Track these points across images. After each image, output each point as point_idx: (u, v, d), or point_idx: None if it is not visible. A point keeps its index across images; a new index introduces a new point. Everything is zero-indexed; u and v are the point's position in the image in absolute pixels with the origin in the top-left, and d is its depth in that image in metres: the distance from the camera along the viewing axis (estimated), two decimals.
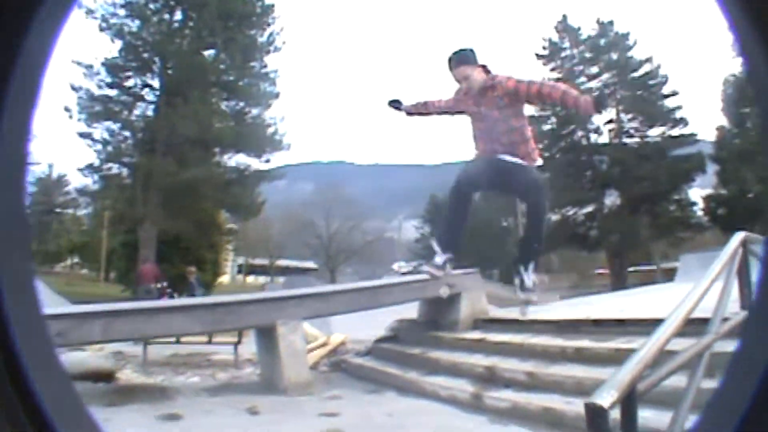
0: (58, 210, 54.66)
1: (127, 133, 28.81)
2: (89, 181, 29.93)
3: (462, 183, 4.27)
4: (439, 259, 4.18)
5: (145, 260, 22.36)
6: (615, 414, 1.89)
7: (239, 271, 57.56)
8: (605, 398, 1.82)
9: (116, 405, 4.50)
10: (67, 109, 27.29)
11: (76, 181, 48.13)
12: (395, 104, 4.65)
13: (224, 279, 43.56)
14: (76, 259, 56.63)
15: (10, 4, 0.81)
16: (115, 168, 28.98)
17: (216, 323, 5.09)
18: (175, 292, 16.71)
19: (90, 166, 28.37)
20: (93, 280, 46.42)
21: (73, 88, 27.56)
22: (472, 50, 4.25)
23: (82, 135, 27.97)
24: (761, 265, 1.04)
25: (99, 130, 28.21)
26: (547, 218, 4.48)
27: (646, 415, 2.10)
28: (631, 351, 2.31)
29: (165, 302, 5.72)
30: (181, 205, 26.09)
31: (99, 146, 28.28)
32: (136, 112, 29.38)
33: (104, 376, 5.56)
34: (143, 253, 25.60)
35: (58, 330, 4.35)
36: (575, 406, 2.20)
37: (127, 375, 6.10)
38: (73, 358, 5.24)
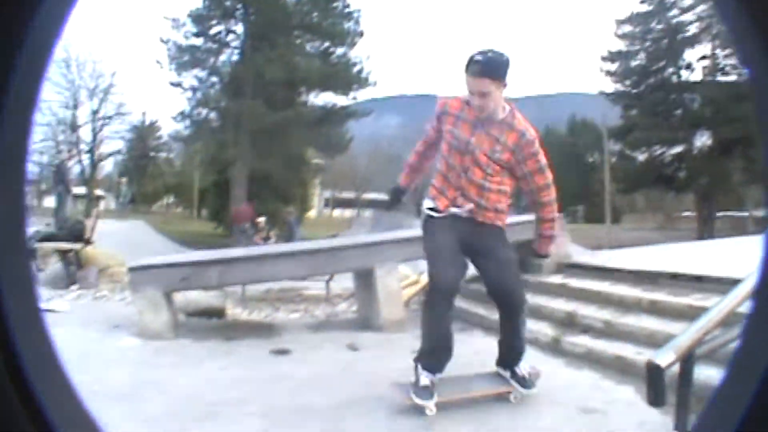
0: (152, 154, 57.64)
1: (215, 80, 30.05)
2: (181, 127, 31.66)
3: (445, 285, 3.22)
4: (426, 379, 3.18)
5: (240, 201, 23.56)
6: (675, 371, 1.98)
7: (326, 205, 58.89)
8: (663, 359, 1.96)
9: (233, 340, 4.93)
10: (158, 62, 28.87)
11: (169, 127, 50.59)
12: (398, 195, 3.86)
13: (311, 213, 44.89)
14: (171, 199, 60.03)
15: (11, 2, 0.81)
16: (205, 113, 30.43)
17: (319, 267, 5.54)
18: (271, 231, 17.24)
19: (182, 113, 29.93)
20: (187, 218, 49.02)
21: (162, 41, 28.97)
22: (507, 60, 3.19)
23: (173, 84, 29.51)
24: (761, 265, 0.99)
25: (188, 79, 29.67)
26: (524, 315, 3.45)
27: (710, 373, 2.18)
28: (704, 309, 2.39)
29: (273, 249, 6.21)
30: (270, 146, 26.89)
31: (189, 94, 29.78)
32: (222, 58, 30.38)
33: (216, 313, 6.14)
34: (235, 192, 26.99)
35: (181, 275, 5.00)
36: (644, 357, 2.43)
37: (233, 311, 6.62)
38: (189, 297, 5.82)
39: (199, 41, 29.77)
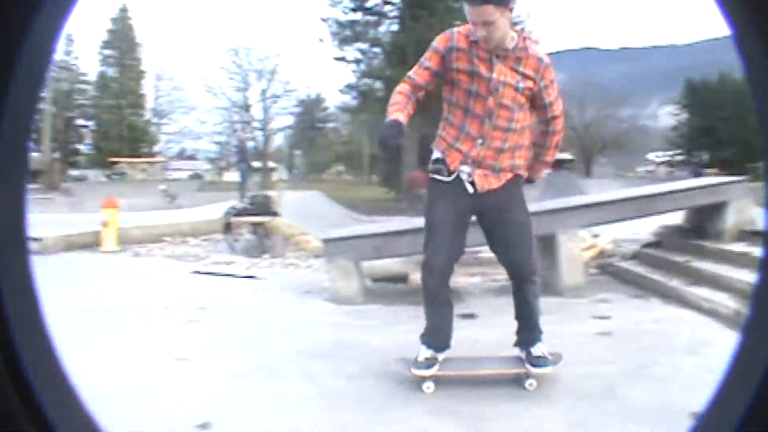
0: (319, 125, 60.85)
1: (377, 50, 30.99)
2: (348, 98, 33.14)
3: (434, 268, 3.04)
4: (426, 353, 3.05)
5: (411, 167, 24.11)
6: None
7: None
8: None
9: (418, 304, 5.12)
10: (320, 39, 30.39)
11: (336, 99, 53.13)
12: (393, 138, 2.88)
13: None
14: (341, 167, 63.11)
15: (11, 2, 0.81)
16: (369, 83, 31.57)
17: None
18: None
19: (348, 85, 31.31)
20: (357, 185, 51.20)
21: (323, 20, 30.36)
22: None
23: (336, 59, 30.93)
24: (761, 264, 1.02)
25: (351, 52, 30.94)
26: (536, 288, 3.16)
27: None
28: None
29: None
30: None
31: (353, 66, 31.07)
32: (382, 29, 31.24)
33: (400, 279, 6.43)
34: (407, 156, 27.74)
35: (373, 245, 5.33)
36: None
37: (414, 277, 6.80)
38: (374, 264, 6.09)
39: (357, 16, 30.81)
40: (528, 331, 3.11)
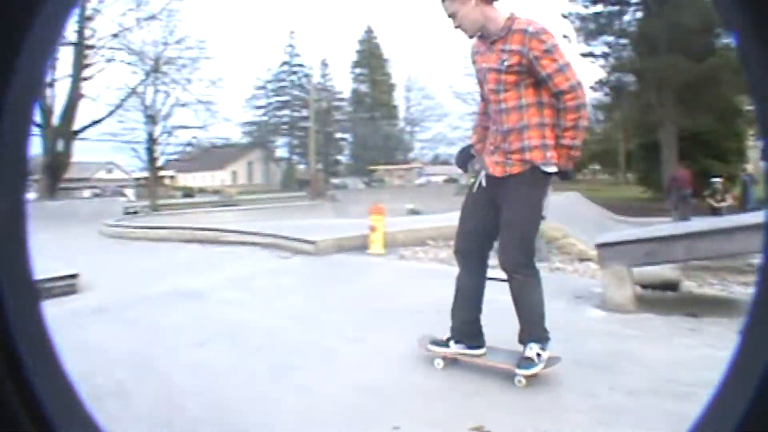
0: None
1: (624, 42, 29.17)
2: (600, 95, 31.64)
3: (457, 252, 3.38)
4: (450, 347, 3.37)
5: (670, 163, 22.29)
6: None
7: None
8: None
9: (695, 315, 4.69)
10: (565, 36, 29.49)
11: (587, 96, 51.25)
12: (461, 166, 3.60)
13: (748, 167, 39.39)
14: (596, 166, 60.34)
15: (11, 2, 0.81)
16: (621, 78, 29.82)
17: None
18: (727, 194, 15.66)
19: (598, 81, 29.92)
20: (613, 184, 48.56)
21: (564, 16, 29.48)
22: None
23: (583, 55, 29.79)
24: (761, 264, 0.91)
25: (597, 47, 29.57)
26: (527, 285, 3.13)
27: None
28: None
29: (742, 220, 5.70)
30: (697, 100, 24.67)
31: (601, 61, 29.62)
32: (626, 18, 29.36)
33: (670, 286, 5.97)
34: (665, 153, 25.61)
35: (646, 251, 5.06)
36: None
37: (686, 284, 6.20)
38: (643, 270, 5.71)
39: (599, 7, 29.39)
40: (522, 327, 3.14)
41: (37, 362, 0.88)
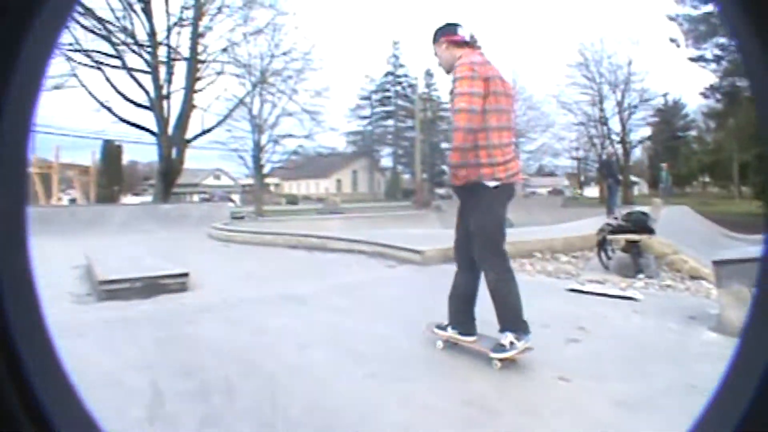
0: (679, 134, 56.04)
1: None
2: (712, 101, 29.79)
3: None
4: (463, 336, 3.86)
5: None
6: None
7: None
8: None
9: None
10: (672, 40, 27.96)
11: (696, 103, 48.71)
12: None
13: None
14: (706, 179, 56.89)
15: (11, 2, 0.81)
16: (735, 83, 27.92)
17: None
18: None
19: (710, 87, 28.21)
20: (725, 197, 45.57)
21: (670, 18, 27.96)
22: (440, 26, 3.85)
23: (692, 59, 28.14)
24: (761, 264, 0.93)
25: (709, 50, 27.83)
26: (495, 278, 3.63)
27: None
28: None
29: None
30: None
31: (713, 65, 27.88)
32: None
33: None
34: None
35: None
36: None
37: None
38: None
39: (709, 7, 27.60)
40: (499, 319, 3.56)
41: (37, 362, 0.89)
